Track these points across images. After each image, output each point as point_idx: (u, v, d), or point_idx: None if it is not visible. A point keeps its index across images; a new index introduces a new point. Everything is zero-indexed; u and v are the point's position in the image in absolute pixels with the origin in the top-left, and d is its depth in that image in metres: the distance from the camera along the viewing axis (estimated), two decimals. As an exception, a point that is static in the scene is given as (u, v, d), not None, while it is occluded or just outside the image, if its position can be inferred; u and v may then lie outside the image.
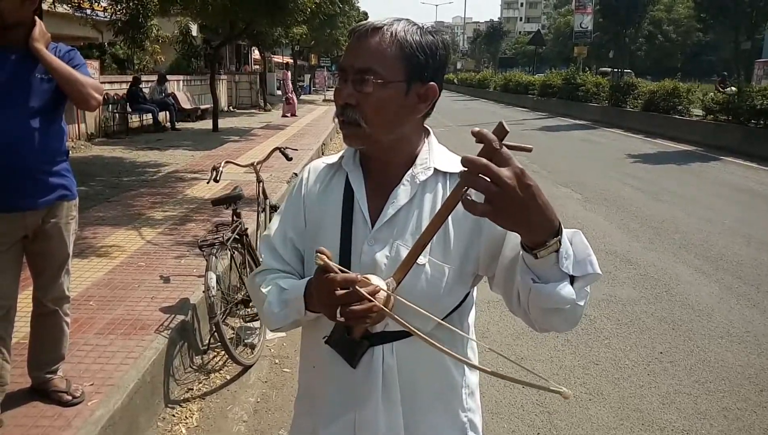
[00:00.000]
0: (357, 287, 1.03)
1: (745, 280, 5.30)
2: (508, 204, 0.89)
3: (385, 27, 1.16)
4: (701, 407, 3.32)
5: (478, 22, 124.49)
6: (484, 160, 0.86)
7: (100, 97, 2.64)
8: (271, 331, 1.26)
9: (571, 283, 1.00)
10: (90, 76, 2.64)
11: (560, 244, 0.96)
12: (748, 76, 26.06)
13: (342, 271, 1.06)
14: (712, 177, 10.82)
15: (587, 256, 1.01)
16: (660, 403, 3.35)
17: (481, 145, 0.89)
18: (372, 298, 1.03)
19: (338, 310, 1.05)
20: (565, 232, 0.99)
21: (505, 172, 0.87)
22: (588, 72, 27.06)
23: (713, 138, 14.87)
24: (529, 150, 0.93)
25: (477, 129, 0.87)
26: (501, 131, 0.88)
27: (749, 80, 22.85)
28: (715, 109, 15.50)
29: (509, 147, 0.90)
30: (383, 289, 1.05)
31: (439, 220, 1.00)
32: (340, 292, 1.04)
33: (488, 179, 0.87)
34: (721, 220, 7.54)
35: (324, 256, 1.06)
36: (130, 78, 14.84)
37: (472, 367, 0.98)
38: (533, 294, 1.02)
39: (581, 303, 1.02)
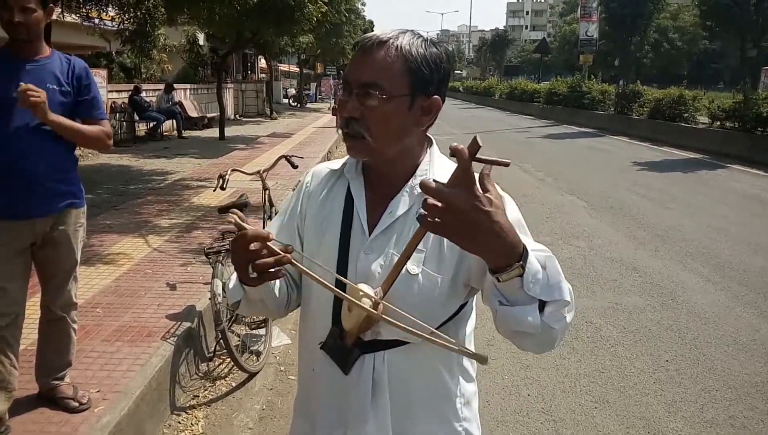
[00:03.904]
0: (268, 243, 1.05)
1: (751, 288, 5.28)
2: (458, 227, 0.91)
3: (391, 40, 1.16)
4: (707, 415, 3.31)
5: (484, 30, 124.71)
6: (431, 185, 0.89)
7: (109, 141, 2.77)
8: (233, 309, 1.29)
9: (543, 308, 1.00)
10: (99, 96, 2.76)
11: (523, 269, 0.95)
12: (754, 84, 25.99)
13: (253, 228, 1.07)
14: (719, 185, 10.80)
15: (558, 282, 1.00)
16: (666, 412, 3.34)
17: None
18: (281, 252, 1.05)
19: (250, 266, 1.07)
20: (537, 257, 0.99)
21: (457, 197, 0.88)
22: (593, 80, 27.04)
23: (719, 146, 14.84)
24: (506, 164, 0.95)
25: (454, 144, 0.89)
26: (474, 146, 0.89)
27: (756, 87, 22.76)
28: (722, 117, 15.48)
29: (486, 161, 0.92)
30: (367, 293, 1.07)
31: (417, 236, 1.01)
32: (252, 247, 1.06)
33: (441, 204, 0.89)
34: (727, 227, 7.52)
35: (235, 215, 1.08)
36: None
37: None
38: (499, 315, 1.03)
39: (555, 327, 1.01)
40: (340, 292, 1.05)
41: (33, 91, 2.35)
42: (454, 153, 0.89)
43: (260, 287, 1.16)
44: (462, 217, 0.89)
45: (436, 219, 0.91)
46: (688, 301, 5.00)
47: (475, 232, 0.91)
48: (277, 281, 1.24)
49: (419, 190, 1.21)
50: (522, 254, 0.96)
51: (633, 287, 5.32)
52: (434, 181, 0.91)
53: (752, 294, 5.15)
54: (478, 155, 0.90)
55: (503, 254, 0.95)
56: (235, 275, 1.24)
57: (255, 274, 1.08)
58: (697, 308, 4.83)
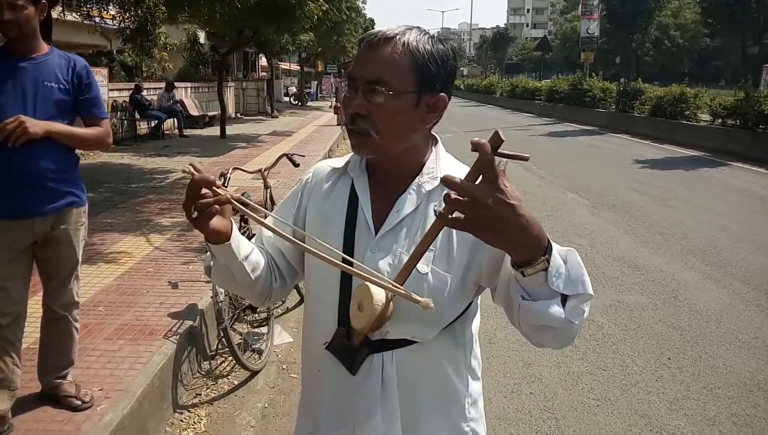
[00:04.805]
0: (214, 187, 1.08)
1: (753, 286, 5.27)
2: (483, 222, 0.89)
3: (397, 37, 1.15)
4: (709, 413, 3.30)
5: (485, 28, 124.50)
6: (455, 180, 0.87)
7: (109, 141, 2.78)
8: (212, 280, 1.29)
9: (564, 302, 0.99)
10: (100, 95, 2.75)
11: (548, 263, 0.95)
12: (755, 81, 25.94)
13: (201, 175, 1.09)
14: (720, 182, 10.79)
15: (580, 276, 0.99)
16: (668, 409, 3.34)
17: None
18: (224, 190, 1.08)
19: (193, 207, 1.09)
20: (559, 251, 0.98)
21: (482, 191, 0.87)
22: (595, 78, 27.02)
23: (721, 143, 14.83)
24: (525, 159, 0.93)
25: (476, 139, 0.88)
26: (496, 141, 0.88)
27: (757, 85, 22.73)
28: (723, 114, 15.47)
29: (506, 156, 0.91)
30: (383, 278, 1.07)
31: (433, 231, 1.00)
32: (203, 192, 1.08)
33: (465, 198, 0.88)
34: (729, 225, 7.51)
35: (190, 166, 1.10)
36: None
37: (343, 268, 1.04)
38: (522, 310, 1.02)
39: (575, 322, 1.01)
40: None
41: (11, 124, 2.35)
42: (475, 148, 0.88)
43: (224, 249, 1.18)
44: (487, 211, 0.88)
45: (458, 214, 0.90)
46: (689, 298, 4.99)
47: (502, 226, 0.90)
48: (251, 255, 1.25)
49: (426, 189, 1.20)
50: (547, 248, 0.95)
51: (635, 285, 5.32)
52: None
53: (754, 291, 5.15)
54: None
55: (529, 248, 0.94)
56: None
57: (195, 214, 1.09)
58: (699, 306, 4.83)
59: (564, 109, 26.63)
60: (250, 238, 4.15)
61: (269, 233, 1.31)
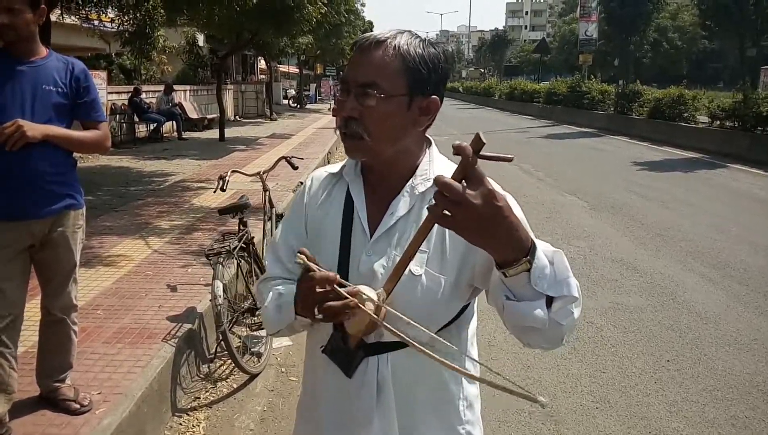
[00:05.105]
0: (335, 286, 1.06)
1: (752, 288, 5.27)
2: (469, 222, 0.91)
3: (388, 40, 1.16)
4: (709, 415, 3.30)
5: (483, 30, 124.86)
6: (446, 180, 0.88)
7: (107, 144, 2.80)
8: (270, 335, 1.27)
9: (550, 303, 1.00)
10: (98, 98, 2.76)
11: (530, 264, 0.96)
12: (754, 83, 25.97)
13: (321, 270, 1.08)
14: (719, 184, 10.79)
15: (565, 278, 1.00)
16: (667, 411, 3.34)
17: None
18: (348, 296, 1.05)
19: (316, 308, 1.08)
20: (545, 252, 0.99)
21: (468, 192, 0.89)
22: (593, 80, 27.06)
23: (719, 145, 14.85)
24: (509, 160, 0.94)
25: (457, 142, 0.89)
26: (478, 143, 0.89)
27: (755, 87, 22.73)
28: (721, 116, 15.49)
29: (489, 157, 0.92)
30: (369, 296, 1.07)
31: (422, 232, 1.01)
32: (319, 289, 1.07)
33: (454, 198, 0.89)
34: (727, 227, 7.52)
35: (303, 256, 1.08)
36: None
37: (462, 374, 0.99)
38: (506, 311, 1.03)
39: (563, 323, 1.01)
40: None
41: (9, 128, 2.35)
42: (457, 151, 0.89)
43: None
44: (473, 211, 0.89)
45: (446, 212, 0.91)
46: (688, 300, 4.99)
47: (488, 227, 0.91)
48: None
49: (420, 190, 1.21)
50: (530, 249, 0.96)
51: (634, 287, 5.32)
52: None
53: (753, 293, 5.15)
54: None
55: (512, 249, 0.95)
56: (270, 298, 1.26)
57: (321, 316, 1.10)
58: (698, 308, 4.83)
59: (562, 111, 26.65)
60: (248, 242, 4.14)
61: (286, 253, 1.32)
